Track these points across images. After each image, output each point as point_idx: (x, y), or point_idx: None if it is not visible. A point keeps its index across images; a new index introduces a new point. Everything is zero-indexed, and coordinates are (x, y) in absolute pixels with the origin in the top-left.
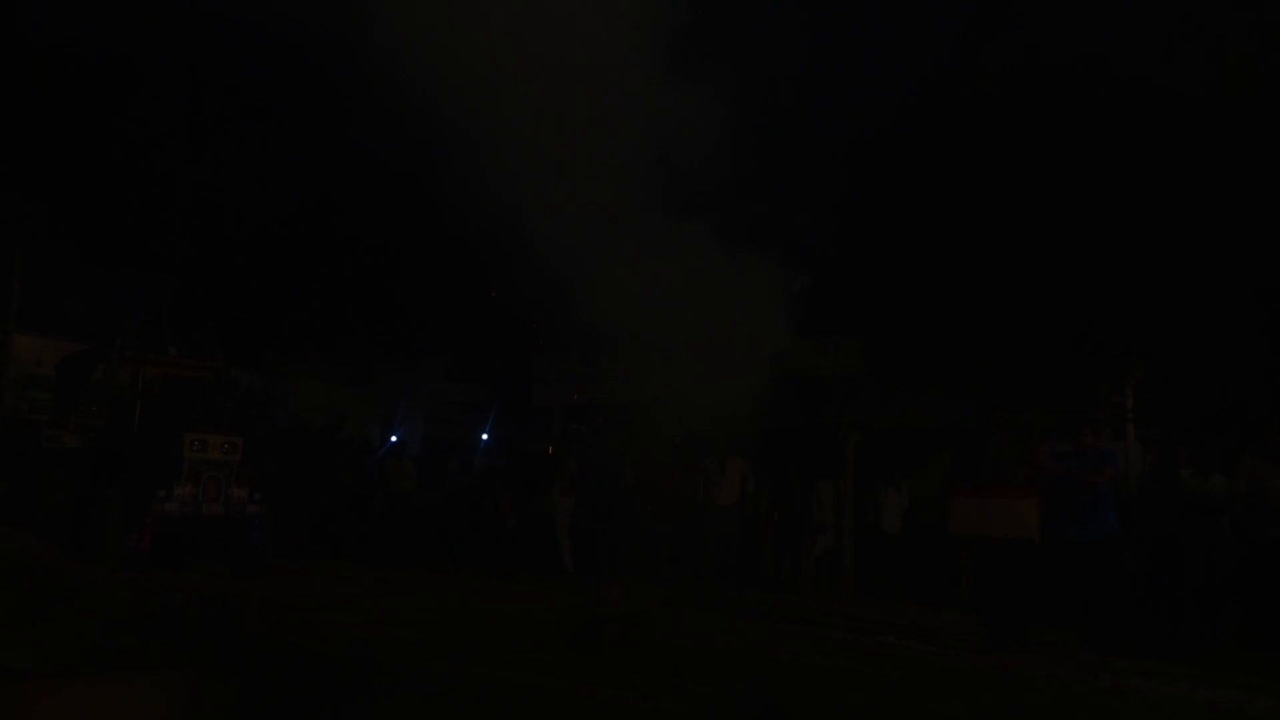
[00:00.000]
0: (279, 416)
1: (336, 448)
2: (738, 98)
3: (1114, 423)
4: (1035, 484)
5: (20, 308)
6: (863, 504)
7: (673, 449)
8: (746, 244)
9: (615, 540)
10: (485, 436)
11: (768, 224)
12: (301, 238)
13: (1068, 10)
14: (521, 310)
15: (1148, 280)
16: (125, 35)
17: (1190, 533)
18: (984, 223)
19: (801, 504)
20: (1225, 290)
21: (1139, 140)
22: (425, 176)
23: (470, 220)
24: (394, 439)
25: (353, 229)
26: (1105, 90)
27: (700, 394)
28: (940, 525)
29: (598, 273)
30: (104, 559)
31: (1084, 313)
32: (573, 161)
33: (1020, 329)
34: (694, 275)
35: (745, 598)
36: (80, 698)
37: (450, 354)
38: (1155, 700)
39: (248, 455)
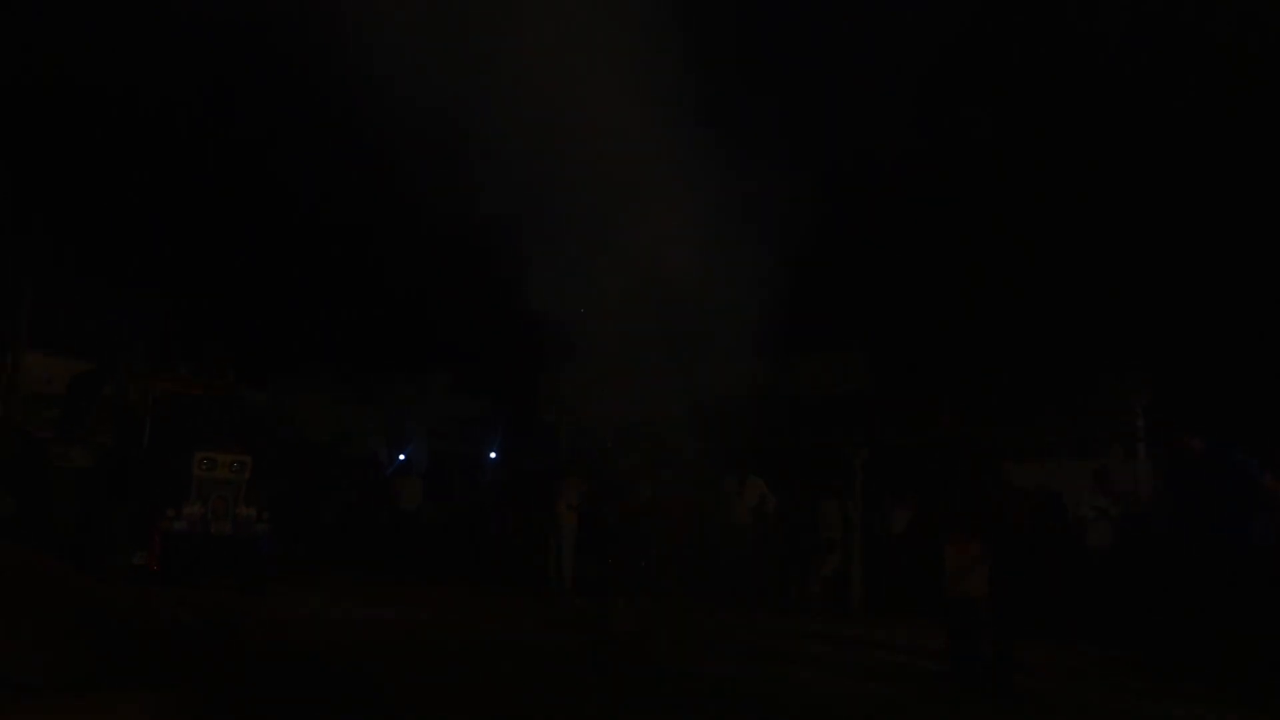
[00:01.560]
0: (286, 433)
1: (343, 464)
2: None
3: (1125, 441)
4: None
5: (30, 327)
6: (871, 521)
7: (687, 467)
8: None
9: (623, 559)
10: (493, 455)
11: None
12: (308, 256)
13: (1071, 18)
14: (528, 325)
15: (1160, 298)
16: (129, 58)
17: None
18: (995, 240)
19: (809, 522)
20: (1239, 308)
21: (1152, 157)
22: (430, 190)
23: (478, 236)
24: (402, 458)
25: (359, 247)
26: (1115, 103)
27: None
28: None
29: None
30: (110, 575)
31: (1096, 331)
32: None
33: (1032, 347)
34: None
35: (755, 616)
36: (85, 713)
37: (457, 370)
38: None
39: (256, 473)
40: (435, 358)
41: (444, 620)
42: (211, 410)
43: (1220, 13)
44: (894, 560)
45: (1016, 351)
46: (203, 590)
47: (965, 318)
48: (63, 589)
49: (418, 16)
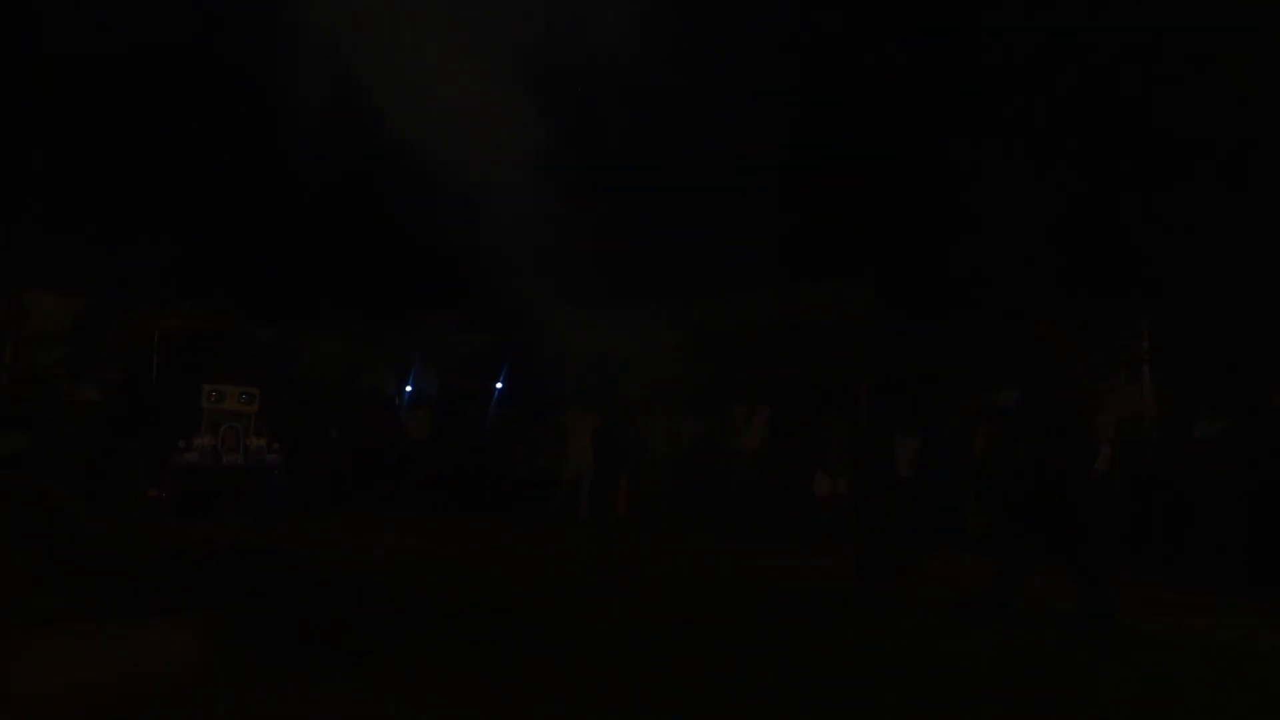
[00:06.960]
0: (294, 368)
1: (351, 398)
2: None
3: (1130, 364)
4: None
5: (34, 264)
6: (876, 448)
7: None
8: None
9: (629, 489)
10: (499, 386)
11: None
12: (314, 191)
13: None
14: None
15: (1163, 221)
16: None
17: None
18: (998, 165)
19: (815, 450)
20: (1239, 229)
21: (1153, 81)
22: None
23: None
24: (409, 389)
25: (365, 181)
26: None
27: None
28: (953, 469)
29: None
30: (125, 509)
31: (1101, 254)
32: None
33: (1037, 270)
34: None
35: (758, 543)
36: (107, 642)
37: (464, 304)
38: (1161, 635)
39: (265, 406)
40: (443, 292)
41: (450, 551)
42: (218, 345)
43: None
44: (897, 487)
45: (1020, 277)
46: (216, 524)
47: (970, 246)
48: (77, 521)
49: None
